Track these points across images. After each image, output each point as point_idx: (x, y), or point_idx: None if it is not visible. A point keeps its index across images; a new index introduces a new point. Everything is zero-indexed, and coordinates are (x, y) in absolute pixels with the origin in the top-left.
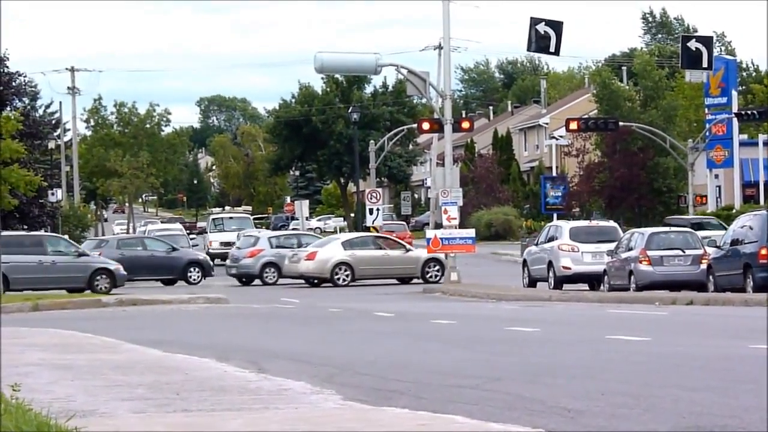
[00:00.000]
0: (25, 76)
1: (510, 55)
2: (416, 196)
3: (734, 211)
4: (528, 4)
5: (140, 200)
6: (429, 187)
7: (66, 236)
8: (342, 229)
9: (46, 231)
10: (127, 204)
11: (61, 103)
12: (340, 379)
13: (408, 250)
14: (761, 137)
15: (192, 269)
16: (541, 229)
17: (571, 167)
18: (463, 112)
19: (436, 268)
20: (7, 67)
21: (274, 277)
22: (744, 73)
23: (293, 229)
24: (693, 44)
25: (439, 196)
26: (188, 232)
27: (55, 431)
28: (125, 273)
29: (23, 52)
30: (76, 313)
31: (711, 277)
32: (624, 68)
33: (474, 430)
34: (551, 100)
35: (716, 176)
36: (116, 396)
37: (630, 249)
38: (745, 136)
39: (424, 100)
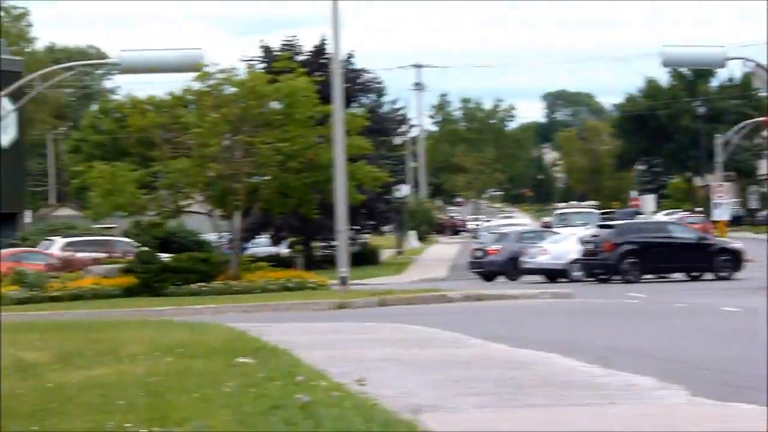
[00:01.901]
0: (370, 73)
1: None
2: (764, 190)
3: None
4: None
5: (486, 195)
6: None
7: None
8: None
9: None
10: (474, 199)
11: (407, 99)
12: (687, 375)
13: None
14: None
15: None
16: None
17: None
18: None
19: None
20: (353, 64)
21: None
22: None
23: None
24: None
25: None
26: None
27: (404, 429)
28: None
29: (368, 49)
30: (421, 308)
31: None
32: None
33: None
34: None
35: None
36: (460, 391)
37: None
38: None
39: None
